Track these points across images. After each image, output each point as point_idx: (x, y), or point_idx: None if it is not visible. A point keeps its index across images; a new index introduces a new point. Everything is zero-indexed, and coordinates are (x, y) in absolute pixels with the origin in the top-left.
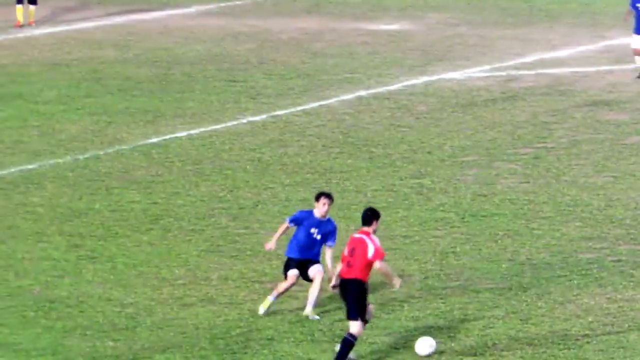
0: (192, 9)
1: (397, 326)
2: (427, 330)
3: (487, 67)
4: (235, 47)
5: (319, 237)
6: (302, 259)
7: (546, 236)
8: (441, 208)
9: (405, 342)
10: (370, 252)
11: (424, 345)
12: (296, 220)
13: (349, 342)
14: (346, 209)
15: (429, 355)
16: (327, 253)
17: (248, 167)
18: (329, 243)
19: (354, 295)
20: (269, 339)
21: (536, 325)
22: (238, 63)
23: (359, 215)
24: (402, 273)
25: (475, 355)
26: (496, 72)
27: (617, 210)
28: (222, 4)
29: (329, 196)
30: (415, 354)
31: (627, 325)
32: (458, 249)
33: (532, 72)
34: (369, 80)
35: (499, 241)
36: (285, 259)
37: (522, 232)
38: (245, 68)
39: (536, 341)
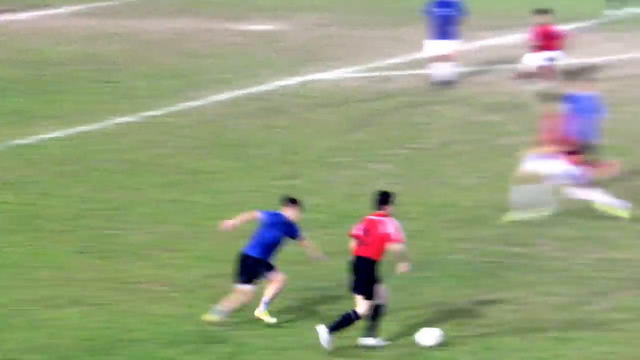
0: (62, 10)
1: (261, 326)
2: (299, 332)
3: (359, 67)
4: (107, 47)
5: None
6: (263, 258)
7: (416, 237)
8: (313, 209)
9: (274, 343)
10: (392, 233)
11: (429, 336)
12: (269, 220)
13: (348, 317)
14: (217, 210)
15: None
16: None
17: (120, 168)
18: None
19: (366, 274)
20: (137, 341)
21: None
22: (110, 64)
23: (230, 217)
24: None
25: (343, 356)
26: (369, 72)
27: (487, 211)
28: (93, 5)
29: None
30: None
31: (496, 327)
32: (330, 250)
33: (405, 72)
34: (241, 80)
35: None
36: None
37: None
38: (118, 69)
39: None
